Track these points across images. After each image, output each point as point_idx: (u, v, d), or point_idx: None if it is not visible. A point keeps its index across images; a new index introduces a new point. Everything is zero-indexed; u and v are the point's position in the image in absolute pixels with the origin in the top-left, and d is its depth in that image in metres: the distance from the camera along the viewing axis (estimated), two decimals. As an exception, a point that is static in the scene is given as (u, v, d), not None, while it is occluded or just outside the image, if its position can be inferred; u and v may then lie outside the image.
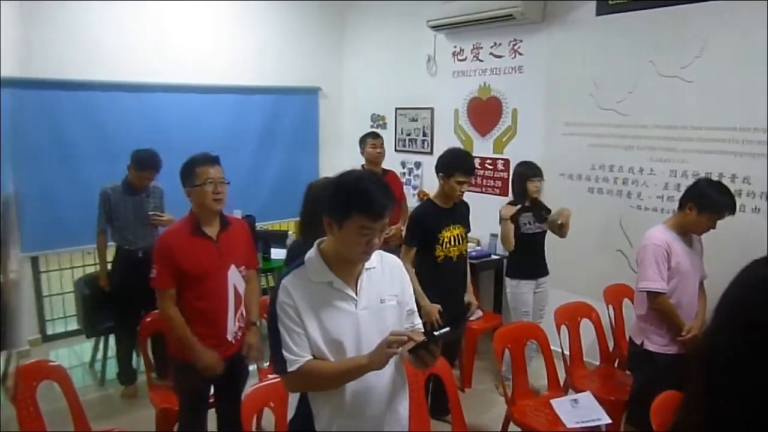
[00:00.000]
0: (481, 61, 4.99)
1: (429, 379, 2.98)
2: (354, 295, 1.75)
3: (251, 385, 2.49)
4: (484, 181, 5.07)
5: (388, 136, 5.63)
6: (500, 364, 3.26)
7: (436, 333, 1.64)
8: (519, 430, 3.09)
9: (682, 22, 3.71)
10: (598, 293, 3.70)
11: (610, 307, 3.67)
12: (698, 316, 2.95)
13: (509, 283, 3.96)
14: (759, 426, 0.92)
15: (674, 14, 3.73)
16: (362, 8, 6.14)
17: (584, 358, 3.63)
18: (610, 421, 2.89)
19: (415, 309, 1.94)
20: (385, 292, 1.82)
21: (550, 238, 3.97)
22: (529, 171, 3.88)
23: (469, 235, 3.63)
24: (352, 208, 1.63)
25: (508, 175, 4.68)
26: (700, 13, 3.62)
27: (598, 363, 3.71)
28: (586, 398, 3.04)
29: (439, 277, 3.36)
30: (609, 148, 4.16)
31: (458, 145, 4.98)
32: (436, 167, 3.42)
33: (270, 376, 2.22)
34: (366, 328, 1.74)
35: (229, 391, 2.81)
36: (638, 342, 3.02)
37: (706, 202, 2.82)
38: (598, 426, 2.91)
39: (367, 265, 1.78)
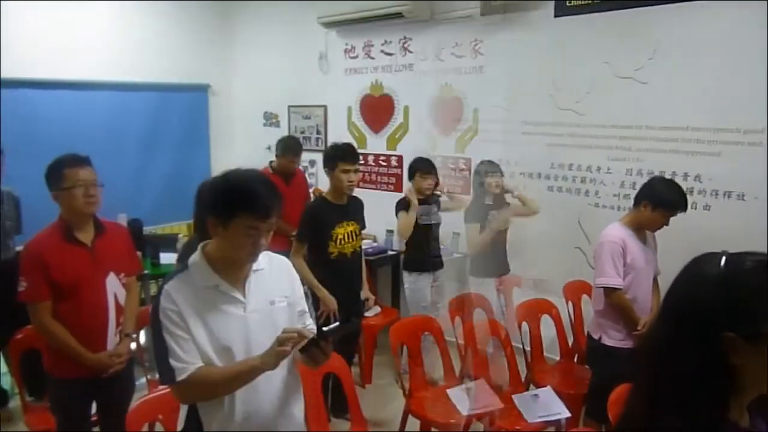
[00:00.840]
0: (373, 58, 5.07)
1: (328, 378, 2.96)
2: (242, 298, 1.70)
3: (140, 398, 2.33)
4: (378, 177, 5.16)
5: (281, 135, 5.45)
6: (397, 358, 3.29)
7: (325, 329, 1.64)
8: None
9: (635, 24, 3.84)
10: (557, 289, 3.78)
11: (570, 303, 3.75)
12: (653, 311, 3.03)
13: (407, 278, 4.01)
14: (699, 412, 0.96)
15: (628, 17, 3.87)
16: (252, 5, 6.03)
17: (545, 354, 3.69)
18: (569, 415, 2.96)
19: (306, 309, 1.91)
20: (275, 294, 1.78)
21: (514, 234, 4.03)
22: (420, 166, 3.95)
23: (365, 231, 3.65)
24: (237, 207, 1.59)
25: (402, 172, 4.84)
26: (652, 16, 3.76)
27: (558, 358, 3.78)
28: (547, 393, 3.09)
29: (334, 274, 3.35)
30: (567, 147, 4.26)
31: (352, 142, 4.99)
32: (323, 164, 3.43)
33: (160, 387, 2.12)
34: (256, 331, 1.70)
35: (113, 407, 2.60)
36: (596, 337, 3.08)
37: (659, 199, 2.90)
38: (559, 420, 2.97)
39: (254, 266, 1.74)
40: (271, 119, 6.10)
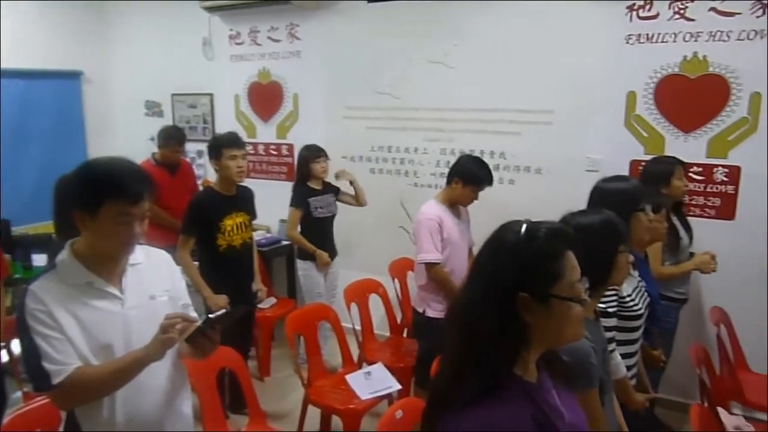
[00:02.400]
0: (260, 45, 4.92)
1: (224, 374, 2.89)
2: (119, 294, 1.61)
3: (14, 411, 2.15)
4: (270, 167, 5.05)
5: (165, 125, 5.25)
6: (293, 348, 3.27)
7: (212, 316, 1.57)
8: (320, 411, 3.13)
9: (442, 11, 4.00)
10: (384, 269, 3.90)
11: (396, 280, 3.89)
12: (469, 281, 3.24)
13: (301, 266, 3.98)
14: (493, 367, 1.04)
15: (433, 5, 4.01)
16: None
17: (375, 331, 3.80)
18: (400, 387, 3.09)
19: (190, 302, 1.84)
20: (155, 288, 1.70)
21: (340, 216, 4.08)
22: (312, 153, 3.93)
23: (258, 222, 3.57)
24: (104, 194, 1.49)
25: (293, 160, 4.71)
26: (456, 4, 3.94)
27: (388, 334, 3.91)
28: (378, 369, 3.20)
29: (223, 268, 3.24)
30: (386, 130, 4.38)
31: (241, 131, 4.86)
32: (208, 155, 3.31)
33: (38, 398, 1.96)
34: (137, 327, 1.60)
35: None
36: (420, 310, 3.23)
37: (468, 176, 3.10)
38: (390, 393, 3.08)
39: (131, 260, 1.65)
40: (153, 108, 5.73)
